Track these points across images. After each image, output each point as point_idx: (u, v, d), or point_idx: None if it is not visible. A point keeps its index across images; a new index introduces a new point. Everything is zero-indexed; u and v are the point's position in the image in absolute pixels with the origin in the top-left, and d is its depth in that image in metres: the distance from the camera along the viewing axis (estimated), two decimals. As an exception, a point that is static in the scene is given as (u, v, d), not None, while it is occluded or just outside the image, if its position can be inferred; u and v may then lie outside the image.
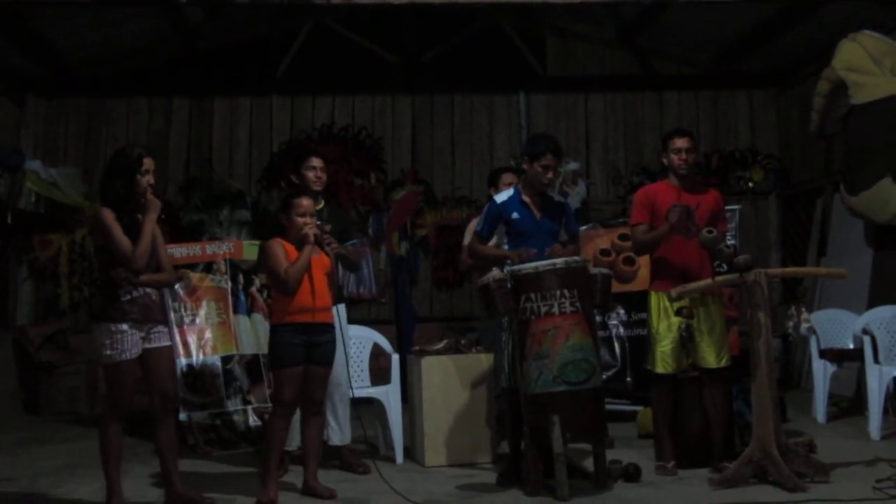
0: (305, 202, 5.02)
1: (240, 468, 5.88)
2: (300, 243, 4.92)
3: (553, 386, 4.79)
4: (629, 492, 4.92)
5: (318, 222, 5.34)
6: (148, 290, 4.69)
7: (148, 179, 4.71)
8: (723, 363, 5.35)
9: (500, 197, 5.53)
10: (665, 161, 5.55)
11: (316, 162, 5.71)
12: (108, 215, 4.64)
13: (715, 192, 5.65)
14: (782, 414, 5.93)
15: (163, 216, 4.89)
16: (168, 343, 4.86)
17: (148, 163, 4.73)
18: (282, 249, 4.93)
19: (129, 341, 4.59)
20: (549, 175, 5.40)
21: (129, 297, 4.62)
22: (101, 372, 8.58)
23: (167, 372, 4.85)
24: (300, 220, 4.94)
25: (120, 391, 4.64)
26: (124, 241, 4.60)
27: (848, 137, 7.65)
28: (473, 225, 6.06)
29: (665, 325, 5.35)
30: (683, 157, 5.44)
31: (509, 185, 5.89)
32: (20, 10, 7.87)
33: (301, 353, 4.87)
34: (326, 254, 5.10)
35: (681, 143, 5.45)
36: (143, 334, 4.65)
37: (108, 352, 4.58)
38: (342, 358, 5.55)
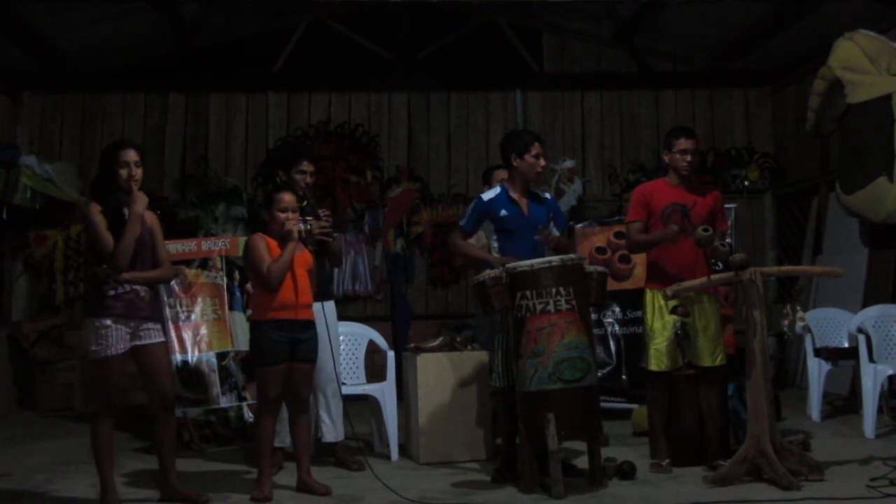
0: (287, 197, 4.97)
1: (235, 465, 5.87)
2: (283, 239, 4.89)
3: (548, 384, 4.79)
4: (624, 489, 4.91)
5: (321, 211, 5.31)
6: (136, 286, 4.60)
7: (128, 172, 4.58)
8: (717, 362, 5.35)
9: (488, 195, 5.47)
10: (666, 158, 5.49)
11: (307, 167, 5.72)
12: (94, 209, 4.58)
13: (714, 191, 5.63)
14: (777, 412, 5.93)
15: (158, 211, 4.83)
16: (160, 339, 4.76)
17: (127, 154, 4.61)
18: (265, 245, 4.90)
19: (113, 336, 4.52)
20: (542, 162, 5.39)
21: (113, 292, 4.55)
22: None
23: (163, 370, 4.77)
24: (282, 215, 4.90)
25: (108, 387, 4.59)
26: (106, 237, 4.52)
27: (844, 136, 7.65)
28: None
29: (660, 323, 5.34)
30: (689, 158, 5.42)
31: (502, 181, 5.87)
32: (17, 5, 7.86)
33: (286, 351, 4.85)
34: (310, 250, 5.08)
35: (687, 144, 5.42)
36: (129, 330, 4.59)
37: (94, 347, 4.53)
38: (332, 354, 5.55)
